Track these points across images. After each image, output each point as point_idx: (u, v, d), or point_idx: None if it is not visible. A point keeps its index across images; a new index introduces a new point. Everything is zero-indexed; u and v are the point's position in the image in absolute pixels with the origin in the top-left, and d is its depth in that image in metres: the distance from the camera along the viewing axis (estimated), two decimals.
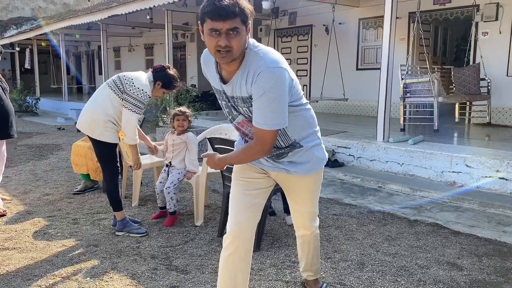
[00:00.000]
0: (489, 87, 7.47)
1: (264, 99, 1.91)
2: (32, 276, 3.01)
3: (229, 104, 2.12)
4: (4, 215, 4.26)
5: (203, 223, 4.05)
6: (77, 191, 5.05)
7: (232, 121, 2.21)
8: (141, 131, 4.08)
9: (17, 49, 18.69)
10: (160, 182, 4.08)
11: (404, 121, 7.10)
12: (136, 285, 2.88)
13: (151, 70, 3.80)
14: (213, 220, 4.15)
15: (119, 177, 3.84)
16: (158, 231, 3.86)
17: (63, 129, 11.11)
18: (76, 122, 3.95)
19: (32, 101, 15.04)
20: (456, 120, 7.93)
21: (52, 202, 4.73)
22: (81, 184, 5.17)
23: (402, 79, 6.99)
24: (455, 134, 6.96)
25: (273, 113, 1.93)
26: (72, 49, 21.36)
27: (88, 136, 3.68)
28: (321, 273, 3.02)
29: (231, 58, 1.90)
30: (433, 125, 6.76)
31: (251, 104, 1.99)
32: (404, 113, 7.18)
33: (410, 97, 7.08)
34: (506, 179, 4.76)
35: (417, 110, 7.67)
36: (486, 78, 7.47)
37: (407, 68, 7.36)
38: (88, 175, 5.08)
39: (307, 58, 11.04)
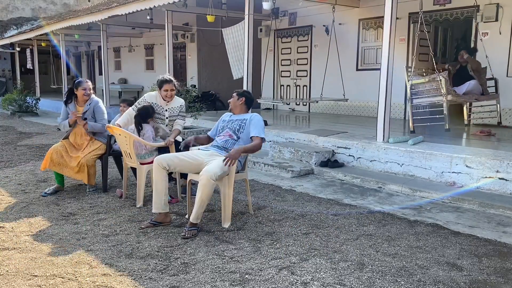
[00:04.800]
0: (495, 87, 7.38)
1: None
2: (32, 276, 3.01)
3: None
4: None
5: (202, 223, 4.05)
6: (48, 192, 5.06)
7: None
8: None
9: (18, 49, 18.69)
10: None
11: (414, 123, 6.84)
12: (136, 285, 2.88)
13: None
14: (213, 220, 4.15)
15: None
16: (158, 231, 3.87)
17: None
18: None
19: (32, 101, 15.02)
20: (465, 122, 7.76)
21: (52, 203, 4.74)
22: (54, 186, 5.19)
23: (408, 80, 6.87)
24: (464, 135, 6.90)
25: None
26: (72, 49, 21.35)
27: None
28: (321, 273, 3.02)
29: None
30: (444, 124, 6.49)
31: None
32: (414, 115, 6.91)
33: (418, 97, 6.85)
34: (506, 180, 4.76)
35: (424, 111, 7.50)
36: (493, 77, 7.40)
37: (413, 69, 7.26)
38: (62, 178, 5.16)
39: (307, 59, 11.04)
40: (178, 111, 5.03)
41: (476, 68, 7.29)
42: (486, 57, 7.18)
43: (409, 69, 7.02)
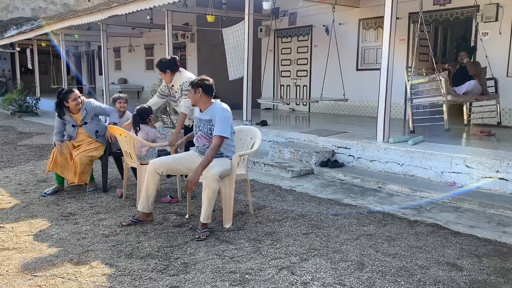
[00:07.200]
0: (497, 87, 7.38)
1: None
2: (32, 276, 3.01)
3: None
4: None
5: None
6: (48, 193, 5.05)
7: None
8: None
9: (18, 49, 18.69)
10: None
11: (413, 123, 6.82)
12: (136, 285, 2.88)
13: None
14: (213, 220, 4.14)
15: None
16: (158, 231, 3.87)
17: None
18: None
19: (32, 101, 15.03)
20: (465, 122, 7.79)
21: (52, 203, 4.74)
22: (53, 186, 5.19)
23: (408, 80, 6.85)
24: (464, 135, 6.90)
25: None
26: (72, 49, 21.34)
27: None
28: (321, 273, 3.02)
29: None
30: (444, 124, 6.46)
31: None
32: (413, 115, 6.90)
33: (418, 97, 6.82)
34: (506, 180, 4.76)
35: (424, 111, 7.50)
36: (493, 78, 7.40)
37: (413, 69, 7.26)
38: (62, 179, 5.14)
39: (307, 59, 11.04)
40: (180, 91, 4.61)
41: (474, 74, 7.30)
42: (486, 57, 7.17)
43: (409, 69, 7.01)
